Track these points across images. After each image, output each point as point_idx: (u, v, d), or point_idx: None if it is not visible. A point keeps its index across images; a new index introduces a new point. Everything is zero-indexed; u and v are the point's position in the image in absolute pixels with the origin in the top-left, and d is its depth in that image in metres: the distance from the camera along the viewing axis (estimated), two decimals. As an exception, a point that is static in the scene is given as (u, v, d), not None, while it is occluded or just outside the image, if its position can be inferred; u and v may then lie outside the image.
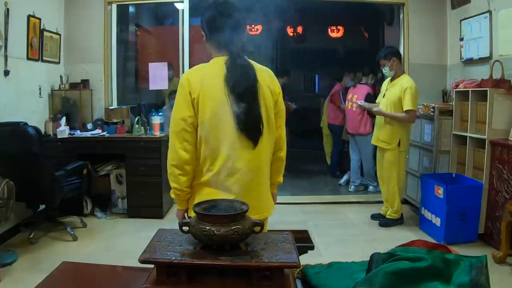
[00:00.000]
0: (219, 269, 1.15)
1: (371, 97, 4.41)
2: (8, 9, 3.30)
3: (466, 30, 4.04)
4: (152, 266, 1.17)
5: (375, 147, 4.43)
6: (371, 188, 4.88)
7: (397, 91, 3.59)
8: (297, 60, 8.14)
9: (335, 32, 7.68)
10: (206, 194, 1.56)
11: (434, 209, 3.44)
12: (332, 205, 4.52)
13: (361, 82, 4.82)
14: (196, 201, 1.43)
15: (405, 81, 3.58)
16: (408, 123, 3.61)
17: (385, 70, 3.72)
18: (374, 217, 3.99)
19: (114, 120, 4.22)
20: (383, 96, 3.78)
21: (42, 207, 3.63)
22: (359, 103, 4.12)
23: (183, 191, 1.63)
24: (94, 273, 1.50)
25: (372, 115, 4.55)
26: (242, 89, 1.49)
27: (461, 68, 4.21)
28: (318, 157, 6.64)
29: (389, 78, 3.77)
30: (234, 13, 1.57)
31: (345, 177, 5.29)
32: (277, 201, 1.84)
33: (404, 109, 3.52)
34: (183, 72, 4.44)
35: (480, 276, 1.22)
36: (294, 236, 1.31)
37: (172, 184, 1.65)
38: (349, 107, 4.84)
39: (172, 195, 1.69)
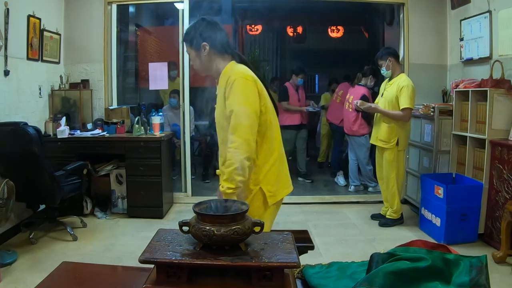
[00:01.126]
0: (219, 269, 1.15)
1: (366, 99, 4.40)
2: (8, 9, 3.30)
3: (466, 30, 4.04)
4: (152, 266, 1.17)
5: (371, 148, 4.42)
6: (370, 188, 4.88)
7: (394, 90, 3.60)
8: (297, 60, 8.14)
9: (335, 32, 7.67)
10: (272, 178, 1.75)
11: (434, 209, 3.44)
12: (332, 205, 4.52)
13: (360, 83, 4.81)
14: (274, 188, 1.73)
15: (402, 80, 3.59)
16: (402, 121, 3.60)
17: (383, 71, 3.74)
18: (374, 217, 3.99)
19: (114, 120, 4.22)
20: (381, 96, 3.79)
21: (42, 207, 3.64)
22: (355, 102, 4.12)
23: (245, 183, 1.63)
24: (94, 273, 1.50)
25: (366, 116, 4.55)
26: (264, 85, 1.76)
27: (461, 68, 4.21)
28: (317, 156, 6.63)
29: (387, 79, 3.78)
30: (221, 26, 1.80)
31: (340, 179, 5.30)
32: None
33: (401, 107, 3.53)
34: (183, 72, 4.43)
35: (480, 276, 1.22)
36: (294, 236, 1.31)
37: (239, 178, 1.57)
38: (346, 108, 4.84)
39: (231, 191, 1.57)
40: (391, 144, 3.64)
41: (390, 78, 3.73)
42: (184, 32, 1.79)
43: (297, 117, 5.28)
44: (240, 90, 1.61)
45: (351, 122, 4.74)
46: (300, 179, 5.41)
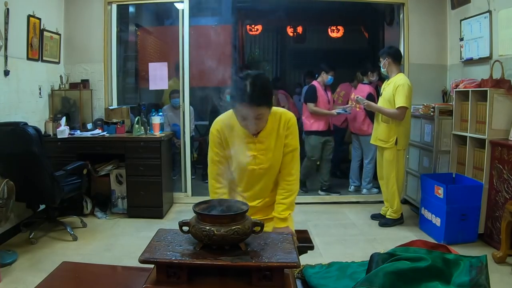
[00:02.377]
0: (219, 269, 1.15)
1: (372, 98, 4.37)
2: (8, 9, 3.30)
3: (466, 30, 4.04)
4: (152, 266, 1.17)
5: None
6: (364, 190, 4.78)
7: (391, 90, 3.62)
8: (297, 60, 8.13)
9: (335, 32, 7.67)
10: None
11: (434, 209, 3.44)
12: (332, 205, 4.52)
13: (363, 82, 4.78)
14: None
15: (398, 79, 3.61)
16: (397, 119, 3.59)
17: (380, 66, 3.80)
18: (374, 217, 3.99)
19: (114, 120, 4.22)
20: (381, 96, 3.83)
21: (42, 207, 3.64)
22: (356, 97, 4.05)
23: None
24: (94, 273, 1.50)
25: (371, 115, 4.53)
26: None
27: (461, 68, 4.21)
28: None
29: (387, 79, 3.81)
30: None
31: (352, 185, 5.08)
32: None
33: (396, 105, 3.54)
34: (183, 72, 4.43)
35: (480, 276, 1.22)
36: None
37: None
38: (353, 107, 4.78)
39: (289, 215, 1.87)
40: (390, 144, 3.64)
41: (388, 78, 3.76)
42: (254, 94, 1.59)
43: (325, 121, 4.64)
44: (297, 130, 1.83)
45: (360, 121, 4.69)
46: (322, 193, 4.79)
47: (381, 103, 3.74)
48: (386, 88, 3.72)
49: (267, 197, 1.89)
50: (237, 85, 1.63)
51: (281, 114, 1.76)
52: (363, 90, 4.62)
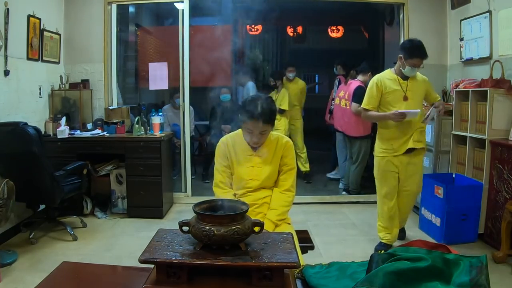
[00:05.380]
0: (219, 269, 1.15)
1: (364, 91, 4.13)
2: (8, 9, 3.30)
3: (466, 30, 4.04)
4: (152, 266, 1.17)
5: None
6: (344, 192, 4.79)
7: (421, 86, 3.17)
8: (297, 60, 8.13)
9: (335, 32, 7.67)
10: None
11: (434, 209, 3.44)
12: (332, 205, 4.52)
13: (357, 79, 4.73)
14: None
15: (420, 75, 3.20)
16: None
17: (413, 70, 3.12)
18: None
19: (114, 120, 4.22)
20: (405, 99, 3.15)
21: (42, 207, 3.64)
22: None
23: None
24: (94, 273, 1.50)
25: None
26: None
27: (461, 68, 4.21)
28: (318, 157, 6.64)
29: (391, 78, 3.28)
30: None
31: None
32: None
33: (437, 100, 3.19)
34: (183, 72, 4.43)
35: (480, 276, 1.22)
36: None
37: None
38: (343, 106, 4.62)
39: (281, 222, 2.08)
40: (425, 144, 3.26)
41: (406, 77, 3.17)
42: (263, 113, 1.88)
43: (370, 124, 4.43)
44: (294, 152, 2.07)
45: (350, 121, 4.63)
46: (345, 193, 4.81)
47: (416, 102, 3.15)
48: (413, 86, 3.15)
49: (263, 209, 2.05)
50: (248, 105, 1.90)
51: (277, 136, 2.04)
52: (353, 85, 4.39)
